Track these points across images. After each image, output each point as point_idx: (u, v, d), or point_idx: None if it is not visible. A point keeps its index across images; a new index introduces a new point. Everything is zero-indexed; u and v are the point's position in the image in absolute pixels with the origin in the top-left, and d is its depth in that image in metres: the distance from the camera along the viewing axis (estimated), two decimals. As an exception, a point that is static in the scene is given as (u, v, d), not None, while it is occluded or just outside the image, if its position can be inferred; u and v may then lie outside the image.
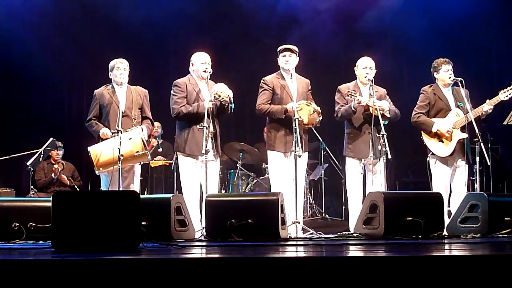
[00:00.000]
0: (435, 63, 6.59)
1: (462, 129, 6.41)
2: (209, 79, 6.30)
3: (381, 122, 6.23)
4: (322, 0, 9.52)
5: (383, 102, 6.38)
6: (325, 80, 7.76)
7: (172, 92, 6.35)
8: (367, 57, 6.58)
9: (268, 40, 9.05)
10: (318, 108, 6.23)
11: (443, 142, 6.45)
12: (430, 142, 6.50)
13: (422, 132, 6.54)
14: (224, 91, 6.13)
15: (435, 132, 6.44)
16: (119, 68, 6.29)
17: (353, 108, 6.30)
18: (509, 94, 6.31)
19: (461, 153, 6.42)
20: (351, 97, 6.27)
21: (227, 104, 6.19)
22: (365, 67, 6.48)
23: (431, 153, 6.49)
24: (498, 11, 9.55)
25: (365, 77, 6.43)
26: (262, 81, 6.45)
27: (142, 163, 6.46)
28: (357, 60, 6.62)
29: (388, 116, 6.38)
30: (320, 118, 6.26)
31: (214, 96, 6.13)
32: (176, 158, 6.56)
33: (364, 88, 6.49)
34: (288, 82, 6.37)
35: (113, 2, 9.31)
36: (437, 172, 6.50)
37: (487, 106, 6.31)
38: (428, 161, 6.56)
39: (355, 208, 6.35)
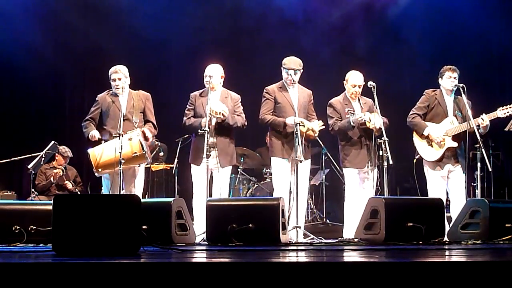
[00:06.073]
0: (441, 69, 6.61)
1: (454, 137, 6.42)
2: (227, 89, 6.53)
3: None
4: (326, 7, 9.57)
5: (377, 120, 6.35)
6: (327, 88, 7.74)
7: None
8: (355, 72, 6.61)
9: (271, 47, 9.07)
10: (314, 127, 6.34)
11: (432, 146, 6.47)
12: (419, 144, 6.54)
13: (414, 133, 6.58)
14: (214, 109, 6.23)
15: (426, 135, 6.47)
16: (115, 80, 6.32)
17: (352, 124, 6.38)
18: (508, 112, 6.31)
19: (453, 159, 6.44)
20: (351, 115, 6.36)
21: (223, 120, 6.30)
22: (354, 85, 6.56)
23: (418, 155, 6.53)
24: (502, 17, 9.55)
25: (353, 94, 6.54)
26: (264, 90, 6.57)
27: (141, 165, 6.44)
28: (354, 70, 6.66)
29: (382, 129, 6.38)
30: (316, 134, 6.45)
31: (209, 114, 6.22)
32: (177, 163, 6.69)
33: (353, 102, 6.60)
34: (290, 93, 6.52)
35: (120, 6, 9.34)
36: (431, 177, 6.52)
37: (481, 120, 6.27)
38: (415, 162, 6.58)
39: (350, 217, 6.42)
